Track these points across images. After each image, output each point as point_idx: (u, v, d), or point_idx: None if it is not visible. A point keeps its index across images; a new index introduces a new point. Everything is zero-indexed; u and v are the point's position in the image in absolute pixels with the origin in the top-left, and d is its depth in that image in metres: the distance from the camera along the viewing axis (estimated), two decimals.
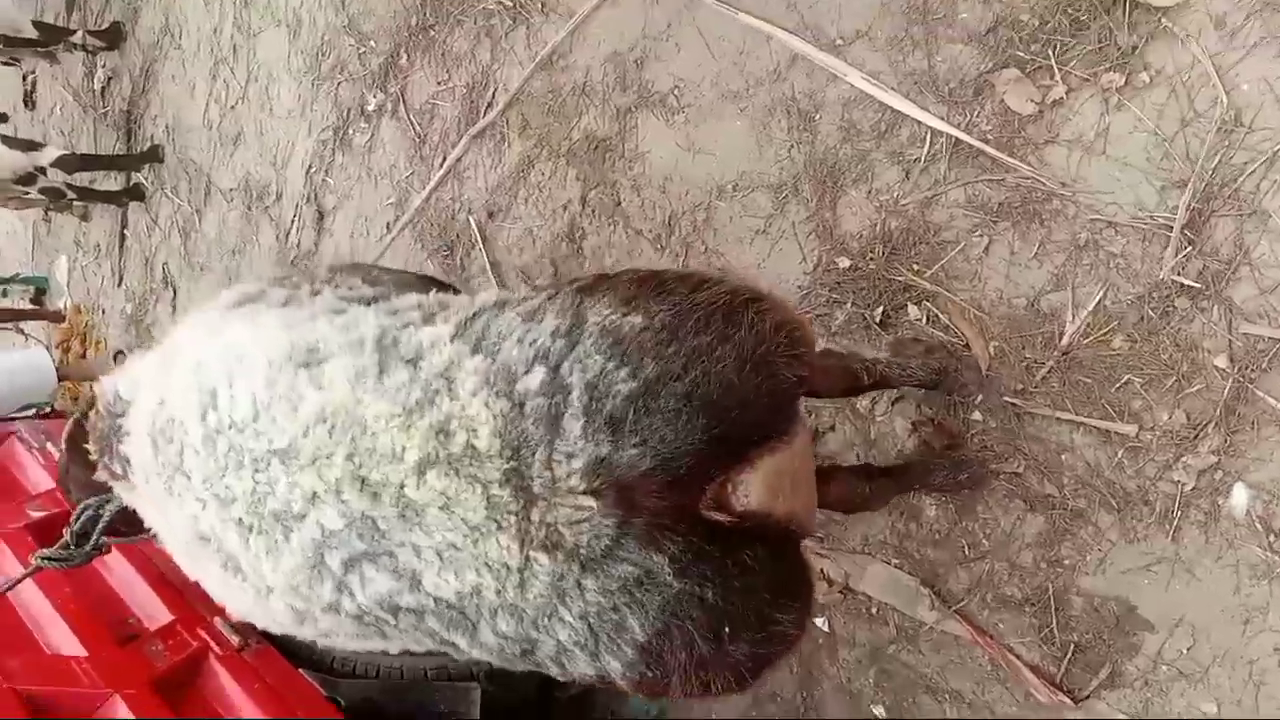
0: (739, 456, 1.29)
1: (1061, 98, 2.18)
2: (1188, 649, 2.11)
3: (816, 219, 2.61)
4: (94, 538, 2.15)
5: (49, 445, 3.34)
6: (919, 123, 2.40)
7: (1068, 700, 2.24)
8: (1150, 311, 2.11)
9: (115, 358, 5.26)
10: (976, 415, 2.36)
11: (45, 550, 2.13)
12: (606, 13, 3.07)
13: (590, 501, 1.21)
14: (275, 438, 1.35)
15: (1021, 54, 2.22)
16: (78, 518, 2.16)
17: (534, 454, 1.23)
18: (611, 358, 1.25)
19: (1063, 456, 2.25)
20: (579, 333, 1.29)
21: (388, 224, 3.86)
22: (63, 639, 2.45)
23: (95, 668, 2.33)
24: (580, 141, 3.19)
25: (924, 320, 2.42)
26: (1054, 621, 2.27)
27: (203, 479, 1.44)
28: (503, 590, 1.26)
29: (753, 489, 1.29)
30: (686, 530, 1.23)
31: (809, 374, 1.37)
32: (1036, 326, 2.26)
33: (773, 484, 1.31)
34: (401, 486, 1.27)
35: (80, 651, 2.40)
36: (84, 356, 5.66)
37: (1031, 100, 2.23)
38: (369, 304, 1.61)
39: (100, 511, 2.15)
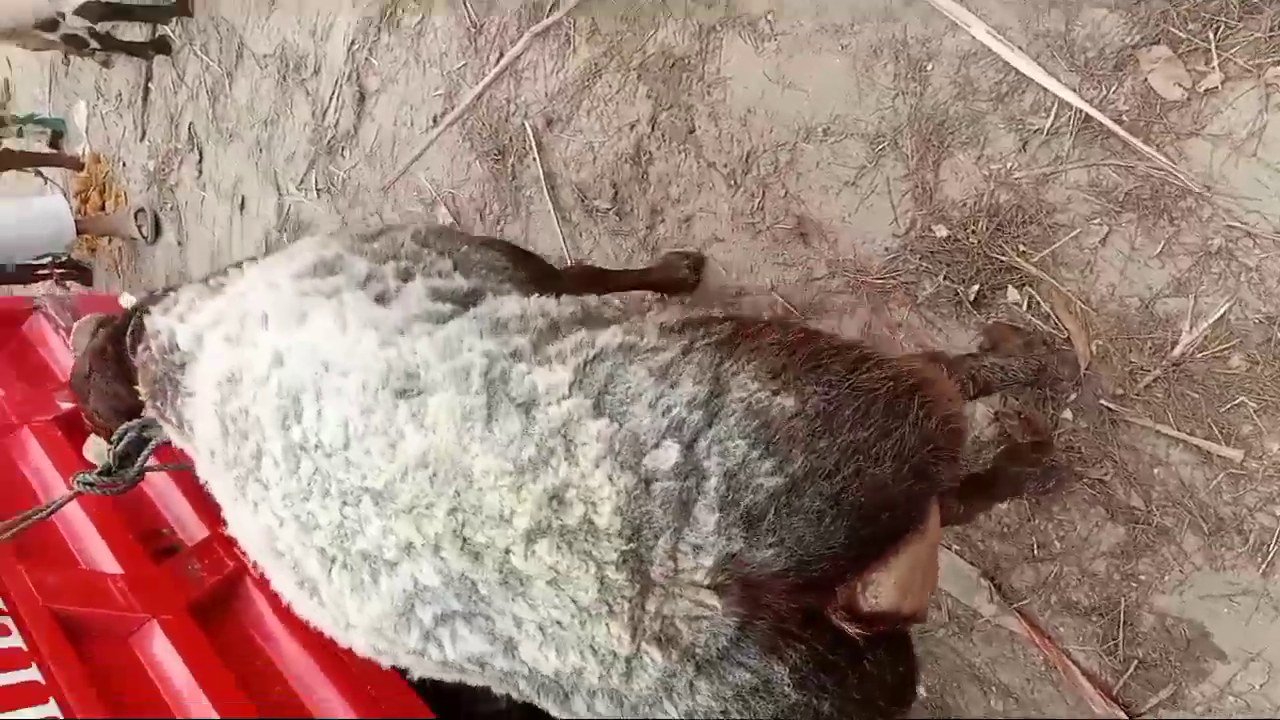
0: (876, 557, 1.16)
1: (1215, 87, 1.96)
2: (1260, 685, 2.05)
3: (915, 179, 2.41)
4: (139, 463, 2.06)
5: None
6: (1046, 90, 2.17)
7: (1123, 714, 2.19)
8: (1279, 334, 1.95)
9: (136, 215, 5.07)
10: (1067, 414, 2.23)
11: (86, 475, 2.04)
12: None
13: (714, 600, 1.09)
14: (369, 475, 1.23)
15: (1177, 31, 1.99)
16: (119, 439, 2.07)
17: (657, 539, 1.11)
18: (756, 445, 1.11)
19: (1155, 470, 2.13)
20: (719, 405, 1.14)
21: (434, 117, 3.63)
22: (98, 552, 2.39)
23: (132, 588, 2.27)
24: (655, 56, 2.94)
25: (1024, 306, 2.26)
26: (1120, 634, 2.20)
27: (282, 495, 1.33)
28: (606, 676, 1.15)
29: (883, 589, 1.17)
30: (812, 637, 1.11)
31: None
32: (1148, 331, 2.10)
33: (904, 582, 1.19)
34: (507, 552, 1.15)
35: (116, 569, 2.35)
36: (103, 209, 5.47)
37: (1180, 84, 2.01)
38: (466, 305, 1.46)
39: (145, 434, 2.06)
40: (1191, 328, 2.05)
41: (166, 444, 2.06)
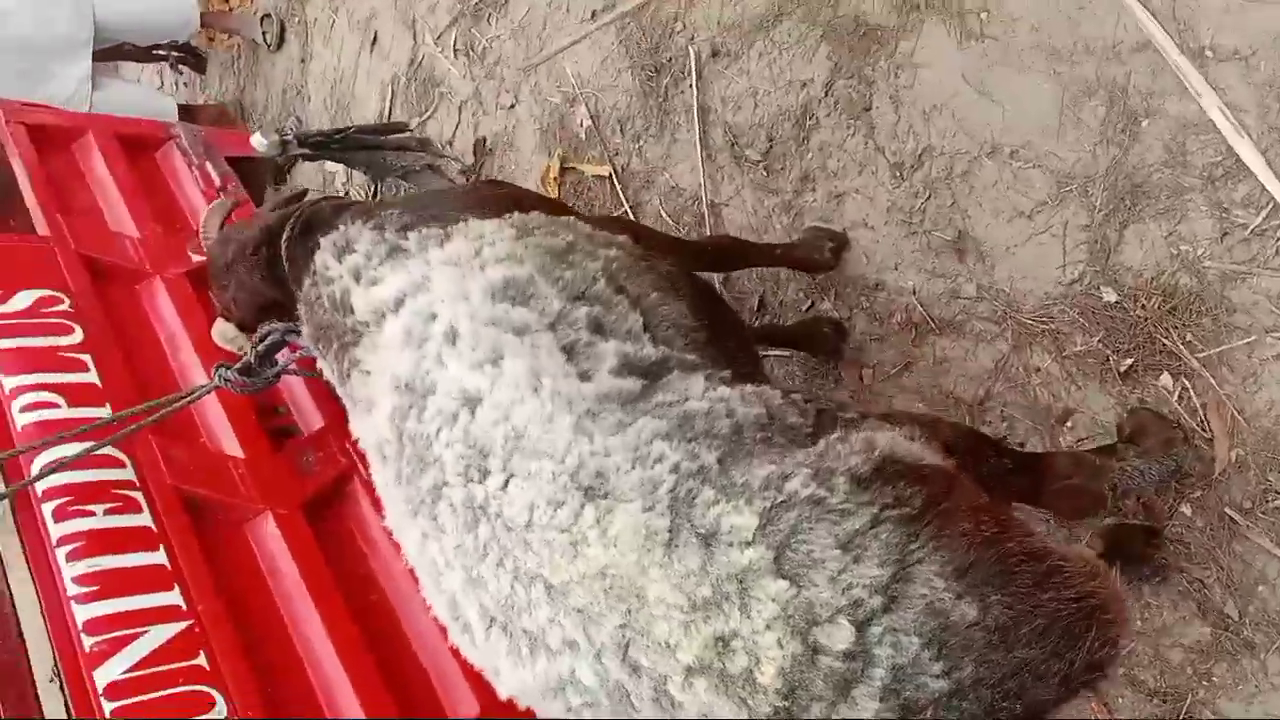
0: None
1: None
2: None
3: (1096, 232, 2.32)
4: (279, 367, 2.11)
5: (209, 166, 3.21)
6: (1264, 188, 2.06)
7: None
8: None
9: (262, 20, 4.96)
10: (1186, 509, 2.23)
11: (226, 371, 2.10)
12: None
13: None
14: (547, 567, 1.29)
15: None
16: (262, 339, 2.12)
17: (812, 703, 1.16)
18: (930, 645, 1.13)
19: (1259, 588, 2.14)
20: (899, 592, 1.16)
21: (594, 11, 3.47)
22: (220, 428, 2.47)
23: (251, 474, 2.36)
24: (846, 18, 2.78)
25: (1174, 395, 2.22)
26: None
27: (455, 545, 1.39)
28: None
29: None
30: None
31: None
32: None
33: None
34: (665, 679, 1.21)
35: (237, 450, 2.43)
36: (227, 3, 5.34)
37: None
38: (652, 378, 1.46)
39: (287, 339, 2.10)
40: None
41: (311, 357, 2.11)
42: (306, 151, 3.55)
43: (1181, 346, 2.19)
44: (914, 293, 2.68)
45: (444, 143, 4.06)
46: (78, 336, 2.46)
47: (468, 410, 1.44)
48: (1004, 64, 2.45)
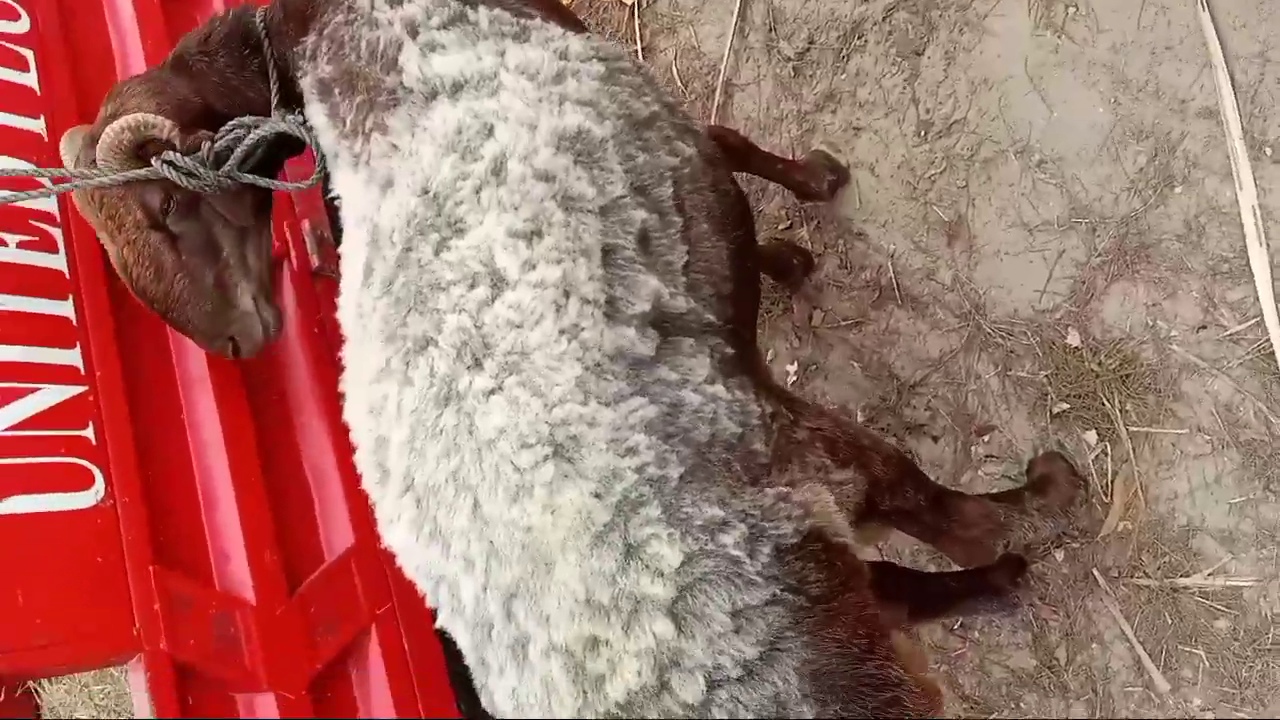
0: None
1: None
2: None
3: (1085, 273, 2.29)
4: (229, 164, 1.86)
5: None
6: (1258, 300, 2.05)
7: None
8: (1276, 635, 2.06)
9: None
10: (1059, 555, 2.34)
11: (171, 155, 1.83)
12: None
13: None
14: (485, 489, 1.31)
15: None
16: (224, 134, 1.88)
17: None
18: None
19: (1093, 645, 2.30)
20: (757, 670, 1.23)
21: None
22: None
23: None
24: None
25: (1091, 454, 2.27)
26: None
27: (413, 407, 1.39)
28: None
29: None
30: None
31: None
32: (1173, 549, 2.17)
33: None
34: (529, 640, 1.29)
35: None
36: None
37: None
38: (668, 336, 1.44)
39: (250, 134, 1.87)
40: (1209, 576, 2.13)
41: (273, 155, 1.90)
42: None
43: (1119, 413, 2.23)
44: (892, 256, 2.63)
45: None
46: (23, 25, 2.22)
47: (488, 286, 1.37)
48: (1070, 69, 2.32)
